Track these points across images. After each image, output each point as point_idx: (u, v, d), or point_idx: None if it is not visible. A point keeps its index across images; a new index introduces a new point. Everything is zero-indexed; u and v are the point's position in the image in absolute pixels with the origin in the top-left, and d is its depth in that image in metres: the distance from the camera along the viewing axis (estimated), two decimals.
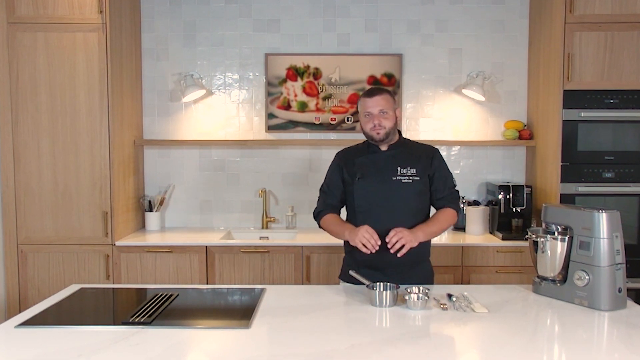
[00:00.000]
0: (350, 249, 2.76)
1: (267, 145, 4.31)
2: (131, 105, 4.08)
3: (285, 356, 1.83)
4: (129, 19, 4.03)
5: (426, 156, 2.73)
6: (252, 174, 4.36)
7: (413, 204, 2.65)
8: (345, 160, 2.78)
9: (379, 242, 2.47)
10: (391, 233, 2.48)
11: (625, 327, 2.10)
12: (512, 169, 4.35)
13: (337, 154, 2.86)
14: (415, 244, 2.50)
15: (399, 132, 2.78)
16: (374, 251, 2.47)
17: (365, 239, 2.46)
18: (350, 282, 2.67)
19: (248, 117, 4.33)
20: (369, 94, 2.66)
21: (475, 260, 3.75)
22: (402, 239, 2.46)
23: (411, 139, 4.09)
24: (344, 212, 2.85)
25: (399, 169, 2.66)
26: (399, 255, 2.48)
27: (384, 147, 2.71)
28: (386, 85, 4.23)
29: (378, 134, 2.64)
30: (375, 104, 2.63)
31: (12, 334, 2.03)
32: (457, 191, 2.80)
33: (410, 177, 2.65)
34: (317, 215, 2.82)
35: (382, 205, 2.63)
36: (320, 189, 2.86)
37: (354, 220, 2.71)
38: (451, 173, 2.79)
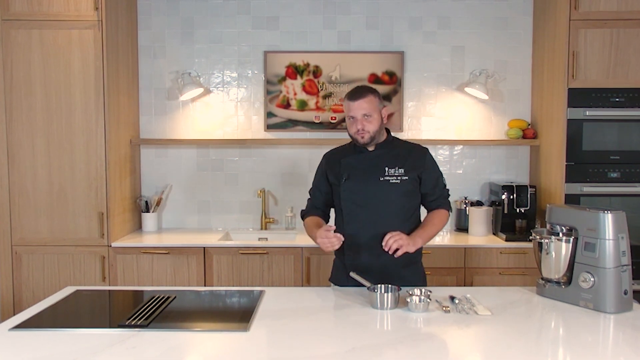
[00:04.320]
0: (337, 252, 2.75)
1: (266, 144, 4.27)
2: (127, 103, 4.04)
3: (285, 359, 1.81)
4: (125, 16, 4.00)
5: (415, 156, 2.69)
6: (251, 173, 4.32)
7: (401, 204, 2.62)
8: (330, 162, 2.77)
9: (339, 237, 2.46)
10: (387, 236, 2.45)
11: (631, 329, 2.09)
12: (516, 169, 4.31)
13: (324, 155, 2.85)
14: (412, 250, 2.48)
15: (388, 131, 2.75)
16: (337, 247, 2.48)
17: (328, 241, 2.46)
18: (341, 285, 2.66)
19: (247, 115, 4.30)
20: (352, 96, 2.60)
21: (478, 261, 3.72)
22: (398, 241, 2.44)
23: (413, 138, 4.10)
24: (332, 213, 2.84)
25: (386, 169, 2.63)
26: (396, 255, 2.46)
27: (371, 147, 2.67)
28: (387, 84, 4.20)
29: (362, 137, 2.60)
30: (358, 108, 2.57)
31: (6, 337, 2.02)
32: (448, 190, 2.78)
33: (399, 177, 2.61)
34: (302, 218, 2.85)
35: (369, 206, 2.60)
36: (309, 191, 2.88)
37: (341, 222, 2.69)
38: (441, 172, 2.77)
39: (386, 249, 2.45)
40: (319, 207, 2.80)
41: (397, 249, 2.45)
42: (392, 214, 2.58)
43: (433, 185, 2.69)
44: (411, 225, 2.63)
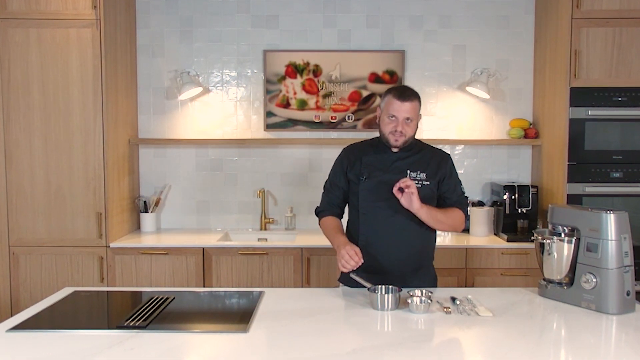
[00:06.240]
0: None
1: (265, 144, 4.25)
2: (126, 103, 4.02)
3: None
4: (124, 15, 3.98)
5: (437, 161, 2.67)
6: (251, 173, 4.30)
7: None
8: (350, 158, 2.71)
9: (361, 262, 2.42)
10: (408, 181, 2.42)
11: (633, 331, 2.08)
12: (518, 169, 4.30)
13: (343, 149, 2.79)
14: (414, 205, 2.43)
15: None
16: (348, 270, 2.44)
17: (344, 260, 2.42)
18: (350, 285, 2.61)
19: (246, 115, 4.27)
20: (401, 96, 2.52)
21: (479, 262, 3.70)
22: (412, 188, 2.41)
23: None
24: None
25: (408, 172, 2.60)
26: (394, 190, 2.44)
27: (395, 148, 2.63)
28: (388, 83, 4.17)
29: (396, 140, 2.56)
30: (404, 110, 2.52)
31: (4, 338, 2.00)
32: (466, 197, 2.77)
33: (420, 182, 2.58)
34: (318, 214, 2.79)
35: (387, 208, 2.57)
36: (324, 185, 2.81)
37: (356, 220, 2.66)
38: (460, 180, 2.74)
39: (400, 184, 2.41)
40: (337, 204, 2.74)
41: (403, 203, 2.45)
42: (409, 218, 2.55)
43: (451, 190, 2.67)
44: (427, 230, 2.61)
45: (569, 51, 3.67)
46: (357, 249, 2.44)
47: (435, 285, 2.71)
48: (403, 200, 2.44)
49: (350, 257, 2.40)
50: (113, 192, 3.78)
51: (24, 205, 3.69)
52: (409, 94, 2.53)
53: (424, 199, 2.58)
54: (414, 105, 2.53)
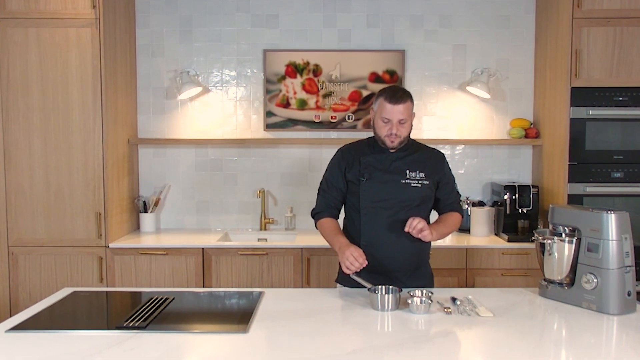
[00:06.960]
0: None
1: (265, 144, 4.25)
2: (125, 103, 4.02)
3: None
4: (123, 14, 3.98)
5: (434, 161, 2.69)
6: (250, 173, 4.30)
7: (418, 208, 2.60)
8: (348, 159, 2.71)
9: (365, 264, 2.43)
10: (411, 219, 2.45)
11: (634, 331, 2.08)
12: (518, 169, 4.29)
13: (339, 149, 2.78)
14: (428, 239, 2.48)
15: None
16: (350, 272, 2.46)
17: (349, 262, 2.43)
18: (348, 286, 2.62)
19: (246, 115, 4.27)
20: (392, 99, 2.53)
21: (480, 262, 3.70)
22: (421, 222, 2.44)
23: (414, 137, 4.04)
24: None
25: (407, 172, 2.61)
26: (416, 234, 2.46)
27: (392, 150, 2.64)
28: (388, 83, 4.16)
29: (392, 142, 2.57)
30: (396, 112, 2.52)
31: (3, 339, 2.01)
32: (460, 195, 2.80)
33: (420, 182, 2.60)
34: (315, 216, 2.77)
35: (388, 207, 2.58)
36: (319, 187, 2.80)
37: (357, 221, 2.66)
38: (453, 176, 2.77)
39: (410, 229, 2.44)
40: (335, 205, 2.73)
41: (414, 235, 2.46)
42: (408, 217, 2.54)
43: (449, 191, 2.71)
44: None
45: (569, 51, 3.67)
46: (361, 251, 2.45)
47: (432, 283, 2.73)
48: (415, 233, 2.47)
49: (355, 259, 2.41)
50: (112, 192, 3.78)
51: (24, 206, 3.68)
52: (400, 96, 2.54)
53: (423, 199, 2.62)
54: (406, 106, 2.53)
